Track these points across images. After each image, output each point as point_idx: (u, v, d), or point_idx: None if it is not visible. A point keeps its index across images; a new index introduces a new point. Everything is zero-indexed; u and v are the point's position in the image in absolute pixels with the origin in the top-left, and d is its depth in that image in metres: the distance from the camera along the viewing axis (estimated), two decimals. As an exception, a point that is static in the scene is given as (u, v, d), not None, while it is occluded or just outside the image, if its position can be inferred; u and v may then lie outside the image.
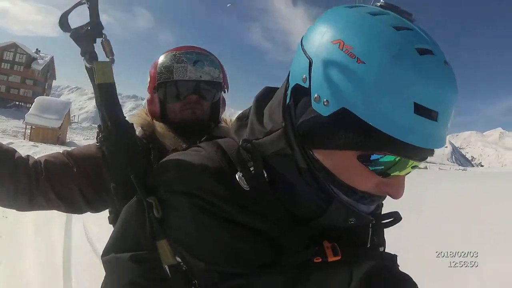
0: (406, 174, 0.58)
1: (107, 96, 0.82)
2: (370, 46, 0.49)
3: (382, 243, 0.70)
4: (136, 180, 0.66)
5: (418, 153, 0.52)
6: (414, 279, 0.73)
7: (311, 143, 0.56)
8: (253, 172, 0.60)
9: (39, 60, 57.05)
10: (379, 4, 0.56)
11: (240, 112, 0.76)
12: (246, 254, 0.59)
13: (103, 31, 0.83)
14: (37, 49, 60.33)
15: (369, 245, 0.68)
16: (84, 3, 0.81)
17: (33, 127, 31.50)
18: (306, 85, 0.54)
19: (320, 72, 0.52)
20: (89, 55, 0.82)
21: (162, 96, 1.19)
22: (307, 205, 0.60)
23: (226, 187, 0.60)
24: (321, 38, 0.53)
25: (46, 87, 61.47)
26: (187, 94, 1.17)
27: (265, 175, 0.60)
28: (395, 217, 0.69)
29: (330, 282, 0.61)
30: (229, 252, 0.59)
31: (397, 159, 0.53)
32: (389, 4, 0.55)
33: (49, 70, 60.18)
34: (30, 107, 36.07)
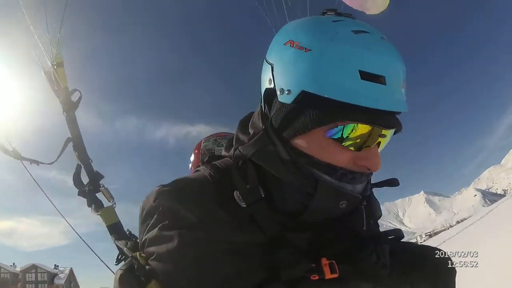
0: (378, 146, 0.63)
1: (116, 232, 1.03)
2: (312, 36, 0.59)
3: (386, 263, 0.64)
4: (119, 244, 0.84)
5: (378, 118, 0.58)
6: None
7: (286, 133, 0.63)
8: (248, 187, 0.64)
9: (60, 275, 59.16)
10: (321, 13, 0.68)
11: None
12: (242, 275, 0.59)
13: (101, 182, 1.05)
14: (55, 265, 63.17)
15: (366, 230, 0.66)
16: (81, 166, 1.02)
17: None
18: (272, 85, 0.63)
19: (280, 70, 0.62)
20: (95, 205, 1.05)
21: None
22: (296, 196, 0.63)
23: (225, 209, 0.63)
24: (277, 45, 0.65)
25: (73, 295, 62.72)
26: None
27: (261, 191, 0.64)
28: (398, 235, 0.70)
29: None
30: (226, 277, 0.58)
31: (362, 129, 0.59)
32: (329, 9, 0.66)
33: (71, 281, 61.73)
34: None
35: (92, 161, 1.03)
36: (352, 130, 0.59)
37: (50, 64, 1.11)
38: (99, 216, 1.02)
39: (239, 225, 0.62)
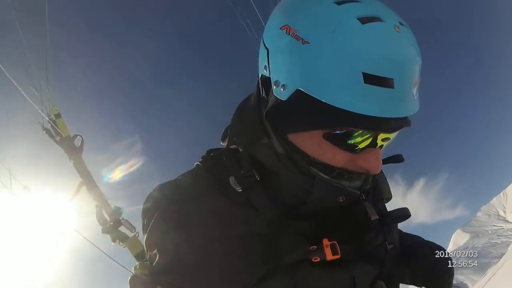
0: (381, 148, 0.58)
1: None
2: (311, 25, 0.51)
3: (392, 240, 0.65)
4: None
5: (382, 124, 0.51)
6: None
7: (282, 127, 0.58)
8: (243, 173, 0.61)
9: None
10: None
11: None
12: (246, 270, 0.57)
13: (121, 218, 1.20)
14: None
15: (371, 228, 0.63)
16: (100, 206, 1.17)
17: None
18: (267, 73, 0.57)
19: (275, 59, 0.55)
20: (119, 239, 1.19)
21: None
22: (293, 190, 0.61)
23: (223, 198, 0.60)
24: (273, 26, 0.56)
25: None
26: None
27: (256, 175, 0.61)
28: (405, 213, 0.66)
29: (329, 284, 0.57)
30: (231, 276, 0.57)
31: (363, 133, 0.53)
32: None
33: None
34: None
35: (108, 198, 1.14)
36: (352, 135, 0.54)
37: (47, 119, 1.23)
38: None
39: (238, 215, 0.60)
